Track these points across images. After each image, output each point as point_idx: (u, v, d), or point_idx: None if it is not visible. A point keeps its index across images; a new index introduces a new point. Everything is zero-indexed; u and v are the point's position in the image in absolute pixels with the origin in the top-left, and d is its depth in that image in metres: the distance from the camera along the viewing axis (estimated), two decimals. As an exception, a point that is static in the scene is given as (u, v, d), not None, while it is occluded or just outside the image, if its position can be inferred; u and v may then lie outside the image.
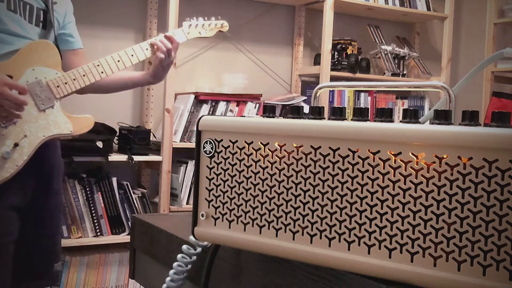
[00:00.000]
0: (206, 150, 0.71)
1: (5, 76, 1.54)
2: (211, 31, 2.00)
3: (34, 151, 1.60)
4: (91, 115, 1.73)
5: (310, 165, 0.63)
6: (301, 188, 0.63)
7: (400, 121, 0.59)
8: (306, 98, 3.33)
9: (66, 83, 1.66)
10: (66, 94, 1.67)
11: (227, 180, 0.70)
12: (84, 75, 1.70)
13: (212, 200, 0.71)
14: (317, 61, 3.39)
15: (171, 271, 0.80)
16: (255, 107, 3.12)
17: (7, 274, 1.59)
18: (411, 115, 0.59)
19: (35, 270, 1.71)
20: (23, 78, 1.60)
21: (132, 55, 1.78)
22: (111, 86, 1.89)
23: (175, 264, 0.80)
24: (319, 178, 0.62)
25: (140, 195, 2.92)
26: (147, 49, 1.81)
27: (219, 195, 0.70)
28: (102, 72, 1.73)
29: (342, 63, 3.36)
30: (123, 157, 2.73)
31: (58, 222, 1.80)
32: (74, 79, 1.68)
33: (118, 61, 1.76)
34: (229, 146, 0.69)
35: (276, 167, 0.65)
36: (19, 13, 1.59)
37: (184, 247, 0.80)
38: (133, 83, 1.92)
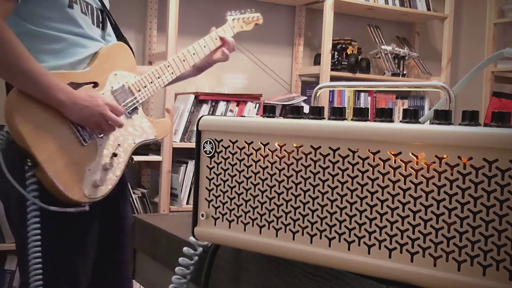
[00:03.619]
0: (206, 150, 0.71)
1: (106, 97, 1.51)
2: (250, 24, 1.97)
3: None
4: (167, 119, 1.69)
5: (310, 165, 0.63)
6: (301, 188, 0.63)
7: (400, 121, 0.59)
8: (306, 98, 3.33)
9: (145, 87, 1.62)
10: (146, 98, 1.64)
11: (227, 180, 0.70)
12: (158, 77, 1.66)
13: (212, 200, 0.71)
14: (317, 61, 3.39)
15: (174, 277, 0.80)
16: (255, 107, 3.12)
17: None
18: (411, 115, 0.59)
19: (117, 280, 1.65)
20: (108, 85, 1.54)
21: (193, 54, 1.75)
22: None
23: (177, 268, 0.80)
24: (319, 178, 0.62)
25: (140, 195, 2.92)
26: (216, 39, 1.79)
27: (219, 195, 0.70)
28: (172, 73, 1.70)
29: (342, 63, 3.36)
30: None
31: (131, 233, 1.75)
32: (151, 82, 1.64)
33: (184, 60, 1.73)
34: (229, 146, 0.69)
35: (276, 167, 0.65)
36: (88, 15, 1.55)
37: (185, 249, 0.80)
38: (183, 77, 1.85)
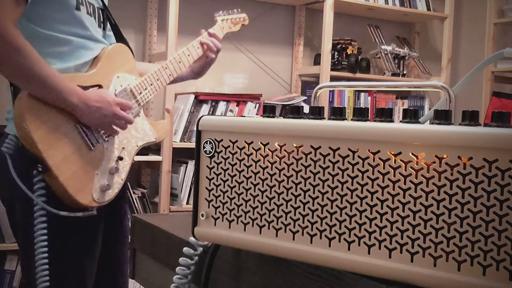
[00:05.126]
0: (206, 150, 0.71)
1: (113, 95, 1.50)
2: (237, 25, 1.97)
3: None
4: (166, 120, 1.69)
5: (310, 165, 0.63)
6: (301, 188, 0.63)
7: (400, 121, 0.59)
8: (306, 98, 3.33)
9: (146, 89, 1.62)
10: (147, 100, 1.63)
11: (227, 180, 0.70)
12: (157, 79, 1.65)
13: (212, 200, 0.71)
14: (317, 61, 3.39)
15: (175, 277, 0.80)
16: (255, 107, 3.12)
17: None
18: (411, 115, 0.59)
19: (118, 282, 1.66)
20: (111, 88, 1.53)
21: (188, 55, 1.75)
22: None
23: (178, 268, 0.80)
24: (319, 178, 0.62)
25: (140, 195, 2.92)
26: (198, 48, 1.79)
27: (219, 195, 0.70)
28: (170, 75, 1.69)
29: (342, 63, 3.36)
30: (123, 157, 2.73)
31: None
32: (151, 84, 1.63)
33: (180, 62, 1.72)
34: (229, 146, 0.69)
35: (276, 167, 0.65)
36: (93, 16, 1.54)
37: (185, 249, 0.80)
38: (181, 79, 1.85)
